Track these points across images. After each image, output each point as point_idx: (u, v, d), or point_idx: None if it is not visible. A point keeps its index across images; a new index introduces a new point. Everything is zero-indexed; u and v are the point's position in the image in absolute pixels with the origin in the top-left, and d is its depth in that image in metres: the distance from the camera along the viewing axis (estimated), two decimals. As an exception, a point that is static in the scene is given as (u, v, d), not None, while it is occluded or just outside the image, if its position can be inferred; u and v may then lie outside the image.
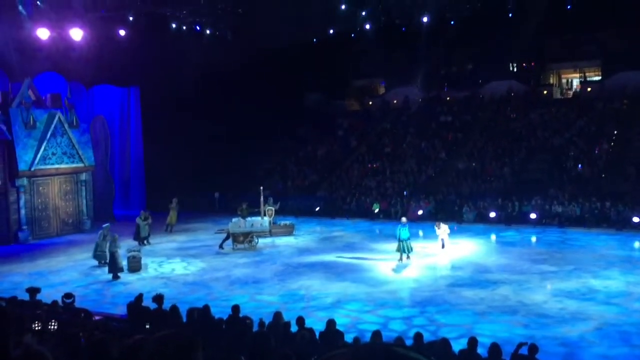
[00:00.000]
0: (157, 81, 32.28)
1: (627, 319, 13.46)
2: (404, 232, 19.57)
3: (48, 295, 13.21)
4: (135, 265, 19.62)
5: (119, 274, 18.84)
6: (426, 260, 20.02)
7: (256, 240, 23.22)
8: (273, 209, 26.38)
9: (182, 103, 32.82)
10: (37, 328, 7.10)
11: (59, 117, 27.56)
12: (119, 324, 11.52)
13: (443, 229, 21.55)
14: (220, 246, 23.07)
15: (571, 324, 13.25)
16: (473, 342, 9.50)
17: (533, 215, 26.65)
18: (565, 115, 34.63)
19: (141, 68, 31.85)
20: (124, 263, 19.34)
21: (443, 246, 21.50)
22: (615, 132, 32.02)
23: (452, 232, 24.37)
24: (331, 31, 37.82)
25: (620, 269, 18.11)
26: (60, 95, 28.78)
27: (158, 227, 26.38)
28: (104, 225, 21.16)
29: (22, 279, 18.47)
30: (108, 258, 19.18)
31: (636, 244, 22.41)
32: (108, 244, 19.41)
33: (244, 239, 23.01)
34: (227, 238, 23.20)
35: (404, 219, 20.28)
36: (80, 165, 28.66)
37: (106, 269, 19.21)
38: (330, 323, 10.46)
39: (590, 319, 13.51)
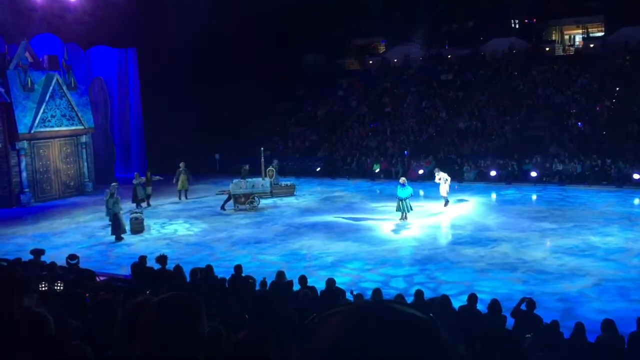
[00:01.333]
0: (155, 42, 31.87)
1: (626, 275, 13.63)
2: (401, 192, 19.63)
3: (52, 256, 13.35)
4: (137, 227, 19.77)
5: (122, 236, 19.00)
6: (427, 220, 20.14)
7: (257, 201, 23.33)
8: (274, 170, 26.41)
9: (180, 65, 32.45)
10: (42, 289, 7.20)
11: (57, 79, 27.33)
12: (124, 284, 11.67)
13: (443, 180, 21.46)
14: (222, 207, 23.19)
15: (570, 280, 13.43)
16: (473, 298, 9.65)
17: (534, 174, 26.69)
18: (567, 73, 34.30)
19: (138, 29, 31.40)
20: (127, 225, 19.48)
21: (446, 203, 21.63)
22: (617, 89, 31.76)
23: (453, 191, 24.46)
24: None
25: (619, 226, 18.25)
26: (58, 57, 28.47)
27: (164, 190, 26.41)
28: (111, 184, 21.29)
29: (25, 241, 18.63)
30: (111, 218, 19.27)
31: (636, 201, 22.51)
32: (112, 204, 19.45)
33: (245, 200, 23.12)
34: (228, 199, 23.32)
35: (402, 179, 20.28)
36: (80, 127, 28.57)
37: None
38: (330, 282, 10.61)
39: (589, 275, 13.68)
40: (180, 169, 25.54)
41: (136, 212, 20.48)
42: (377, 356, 0.79)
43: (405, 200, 19.67)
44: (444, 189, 21.47)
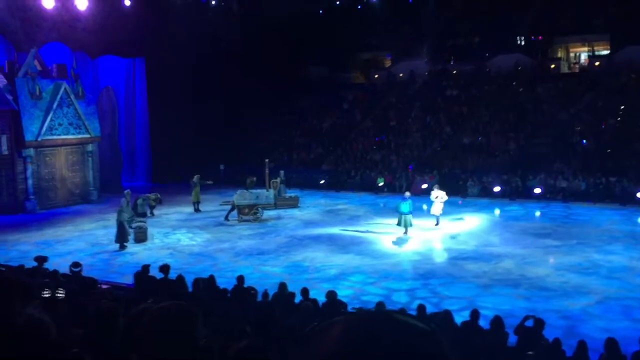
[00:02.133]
0: (163, 52, 32.13)
1: (629, 294, 13.56)
2: (404, 207, 19.60)
3: (55, 264, 13.37)
4: (141, 236, 19.80)
5: (125, 244, 19.02)
6: (429, 234, 20.10)
7: (261, 213, 23.34)
8: (278, 181, 26.41)
9: (186, 75, 32.68)
10: (45, 296, 7.22)
11: (65, 88, 27.51)
12: (126, 293, 11.68)
13: (439, 198, 20.89)
14: (226, 218, 23.21)
15: (573, 297, 13.36)
16: (475, 314, 9.61)
17: (537, 190, 26.64)
18: (572, 90, 34.32)
19: (146, 39, 31.67)
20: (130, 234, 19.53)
21: (437, 223, 21.09)
22: (622, 107, 31.76)
23: (457, 206, 24.44)
24: (337, 2, 37.34)
25: (623, 244, 18.17)
26: (66, 65, 28.69)
27: (167, 200, 26.44)
28: (125, 192, 21.40)
29: (29, 248, 18.68)
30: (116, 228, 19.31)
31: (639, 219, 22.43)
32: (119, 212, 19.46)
33: (249, 211, 23.13)
34: (232, 209, 23.34)
35: (407, 194, 20.33)
36: (87, 136, 28.71)
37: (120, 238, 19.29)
38: (331, 294, 10.59)
39: (592, 293, 13.61)
40: (195, 181, 25.44)
41: (140, 221, 20.52)
42: None
43: (405, 215, 19.60)
44: (438, 207, 20.95)
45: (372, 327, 0.85)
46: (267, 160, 25.99)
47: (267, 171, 25.28)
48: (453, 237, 19.67)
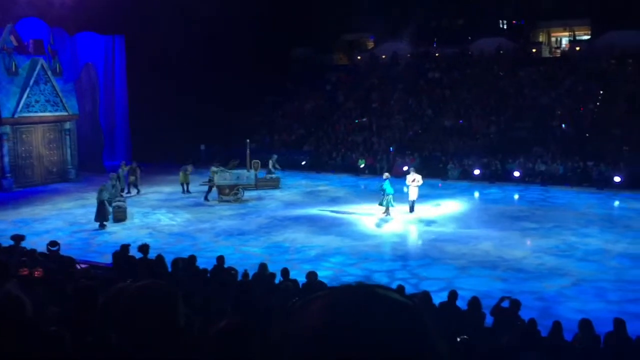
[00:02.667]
0: (142, 30, 31.61)
1: (603, 276, 13.83)
2: (387, 187, 19.60)
3: (33, 243, 13.24)
4: (120, 215, 19.64)
5: (105, 223, 18.87)
6: (409, 216, 20.20)
7: (242, 193, 23.27)
8: (270, 164, 26.33)
9: (167, 53, 32.23)
10: (22, 274, 7.15)
11: (42, 64, 26.99)
12: (105, 273, 11.62)
13: (415, 182, 19.99)
14: (205, 198, 23.10)
15: (549, 279, 13.59)
16: (453, 295, 9.74)
17: (517, 173, 26.92)
18: (553, 74, 34.58)
19: (126, 16, 31.12)
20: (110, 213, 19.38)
21: (412, 209, 20.17)
22: (602, 92, 32.09)
23: (436, 189, 24.62)
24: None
25: (599, 227, 18.48)
26: (43, 41, 28.12)
27: (147, 179, 26.21)
28: (111, 174, 21.19)
29: (6, 227, 18.40)
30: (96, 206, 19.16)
31: (616, 203, 22.80)
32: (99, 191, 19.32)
33: (229, 192, 23.05)
34: (210, 190, 23.23)
35: (385, 174, 20.37)
36: (64, 113, 28.26)
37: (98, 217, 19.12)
38: (311, 275, 10.63)
39: (567, 275, 13.85)
40: (187, 167, 25.06)
41: (119, 201, 20.35)
42: (359, 339, 0.80)
43: (386, 195, 19.63)
44: (414, 192, 20.03)
45: (353, 301, 0.85)
46: (248, 140, 25.84)
47: (248, 152, 25.14)
48: (430, 222, 19.78)
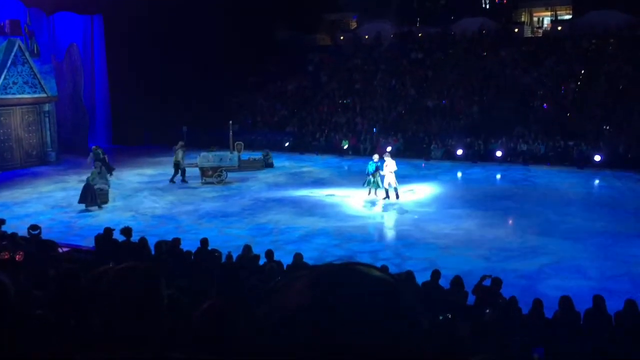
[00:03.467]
0: (122, 10, 31.08)
1: (583, 254, 14.03)
2: (371, 167, 19.58)
3: (13, 226, 13.09)
4: (102, 198, 19.50)
5: (89, 207, 18.77)
6: (393, 197, 20.28)
7: (225, 175, 23.18)
8: (242, 144, 26.10)
9: (147, 34, 31.77)
10: (3, 258, 7.07)
11: (19, 45, 26.49)
12: (87, 256, 11.55)
13: (389, 167, 19.04)
14: (171, 180, 22.83)
15: (530, 257, 13.77)
16: (436, 274, 9.84)
17: (499, 153, 27.13)
18: (535, 54, 34.72)
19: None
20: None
21: (397, 196, 19.40)
22: (582, 72, 32.32)
23: (419, 169, 24.74)
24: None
25: (579, 206, 18.72)
26: (20, 21, 27.56)
27: (129, 162, 26.01)
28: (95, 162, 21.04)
29: (-14, 211, 18.19)
30: (84, 188, 19.13)
31: (596, 182, 23.10)
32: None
33: (212, 173, 22.95)
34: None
35: (375, 157, 20.11)
36: (43, 95, 27.83)
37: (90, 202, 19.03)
38: (297, 256, 10.68)
39: (548, 254, 14.04)
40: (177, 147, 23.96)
41: (102, 183, 20.19)
42: (341, 316, 0.80)
43: (370, 175, 19.56)
44: (391, 178, 19.17)
45: (335, 278, 0.85)
46: (231, 122, 25.68)
47: (230, 133, 25.00)
48: (414, 203, 19.87)
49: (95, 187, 19.64)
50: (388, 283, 0.87)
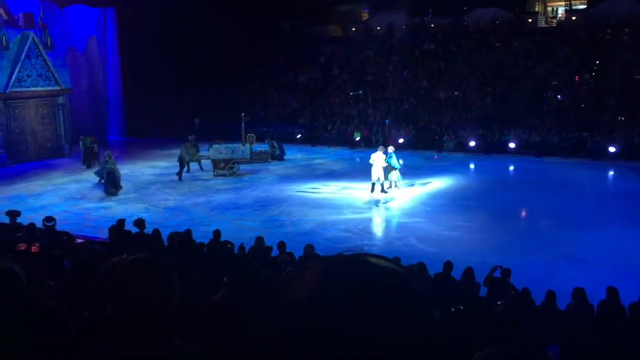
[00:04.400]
0: (133, 3, 31.15)
1: (597, 246, 13.92)
2: (391, 161, 19.05)
3: (29, 218, 13.20)
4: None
5: (114, 191, 19.17)
6: (406, 189, 20.24)
7: (237, 167, 23.23)
8: (254, 136, 26.04)
9: (159, 27, 31.82)
10: (19, 249, 7.16)
11: (32, 38, 26.66)
12: (101, 247, 11.64)
13: (377, 162, 18.47)
14: (178, 174, 22.37)
15: (543, 249, 13.68)
16: (448, 265, 9.82)
17: (512, 145, 26.94)
18: (549, 45, 34.36)
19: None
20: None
21: (372, 189, 18.83)
22: (597, 62, 31.95)
23: (432, 161, 24.62)
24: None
25: (593, 198, 18.57)
26: (33, 15, 27.72)
27: (141, 154, 26.12)
28: (105, 153, 21.21)
29: (1, 203, 18.38)
30: (105, 176, 19.49)
31: (610, 174, 22.89)
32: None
33: (224, 165, 23.00)
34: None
35: (390, 148, 19.41)
36: (57, 88, 28.02)
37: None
38: (308, 248, 10.69)
39: (562, 245, 13.95)
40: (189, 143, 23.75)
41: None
42: (350, 307, 0.80)
43: (393, 169, 19.17)
44: (377, 171, 18.62)
45: (345, 269, 0.85)
46: (243, 114, 25.70)
47: (243, 126, 25.03)
48: (427, 195, 19.79)
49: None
50: (398, 274, 0.87)
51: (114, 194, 19.36)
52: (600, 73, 31.20)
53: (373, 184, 18.85)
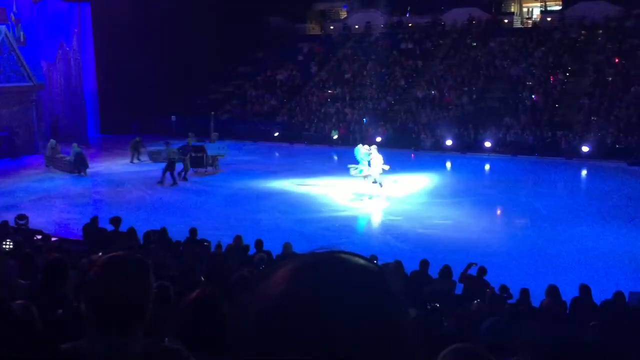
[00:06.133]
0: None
1: (570, 243, 14.14)
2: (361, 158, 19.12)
3: (0, 216, 12.96)
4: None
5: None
6: (383, 187, 20.29)
7: (219, 164, 23.23)
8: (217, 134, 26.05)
9: (136, 22, 31.44)
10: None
11: (5, 33, 26.16)
12: (75, 246, 11.49)
13: (376, 160, 18.27)
14: (184, 178, 21.66)
15: (517, 247, 13.85)
16: (424, 264, 9.89)
17: (488, 144, 27.22)
18: (524, 45, 34.78)
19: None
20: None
21: (381, 185, 18.60)
22: (572, 62, 32.43)
23: (409, 160, 24.78)
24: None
25: (566, 196, 18.85)
26: (6, 9, 27.21)
27: (116, 152, 25.84)
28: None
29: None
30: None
31: (583, 172, 23.26)
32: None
33: (212, 162, 22.97)
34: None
35: (366, 147, 19.25)
36: (29, 84, 27.53)
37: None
38: (287, 246, 10.69)
39: (534, 242, 14.13)
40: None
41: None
42: (321, 304, 0.80)
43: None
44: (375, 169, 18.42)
45: (318, 266, 0.85)
46: (212, 113, 25.91)
47: (212, 124, 25.20)
48: (404, 195, 19.89)
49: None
50: (371, 271, 0.87)
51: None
52: (574, 73, 31.68)
53: (378, 182, 18.48)
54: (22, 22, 27.81)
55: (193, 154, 22.28)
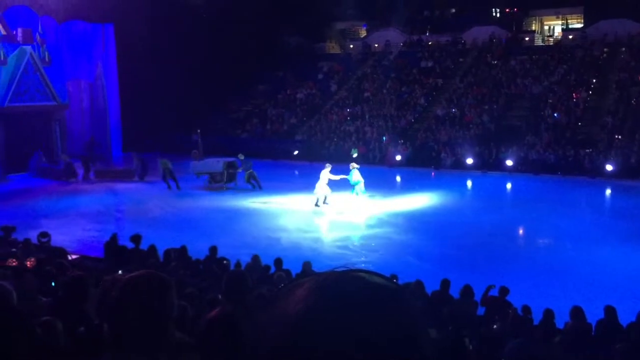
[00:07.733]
0: (132, 18, 31.29)
1: (595, 264, 13.89)
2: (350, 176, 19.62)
3: (25, 234, 13.13)
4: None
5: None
6: (403, 206, 20.21)
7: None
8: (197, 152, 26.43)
9: (158, 43, 31.94)
10: (12, 265, 7.10)
11: (30, 53, 26.75)
12: (96, 264, 11.58)
13: (323, 177, 19.24)
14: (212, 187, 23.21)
15: (540, 268, 13.63)
16: (445, 283, 9.77)
17: (509, 162, 26.98)
18: (546, 63, 34.61)
19: (115, 4, 30.82)
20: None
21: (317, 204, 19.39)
22: (594, 80, 32.16)
23: (429, 178, 24.63)
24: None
25: (590, 216, 18.56)
26: (32, 30, 27.84)
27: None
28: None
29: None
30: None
31: (607, 191, 22.91)
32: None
33: (220, 178, 23.15)
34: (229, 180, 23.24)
35: (353, 165, 20.41)
36: (53, 103, 28.05)
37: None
38: (306, 265, 10.65)
39: (558, 263, 13.90)
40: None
41: None
42: (340, 323, 0.78)
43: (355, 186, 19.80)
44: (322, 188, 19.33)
45: (336, 285, 0.83)
46: (198, 130, 26.54)
47: (199, 141, 26.45)
48: (424, 212, 19.76)
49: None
50: (392, 290, 0.85)
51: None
52: (597, 91, 31.39)
53: (317, 199, 19.22)
54: (47, 42, 28.39)
55: (231, 170, 23.21)
